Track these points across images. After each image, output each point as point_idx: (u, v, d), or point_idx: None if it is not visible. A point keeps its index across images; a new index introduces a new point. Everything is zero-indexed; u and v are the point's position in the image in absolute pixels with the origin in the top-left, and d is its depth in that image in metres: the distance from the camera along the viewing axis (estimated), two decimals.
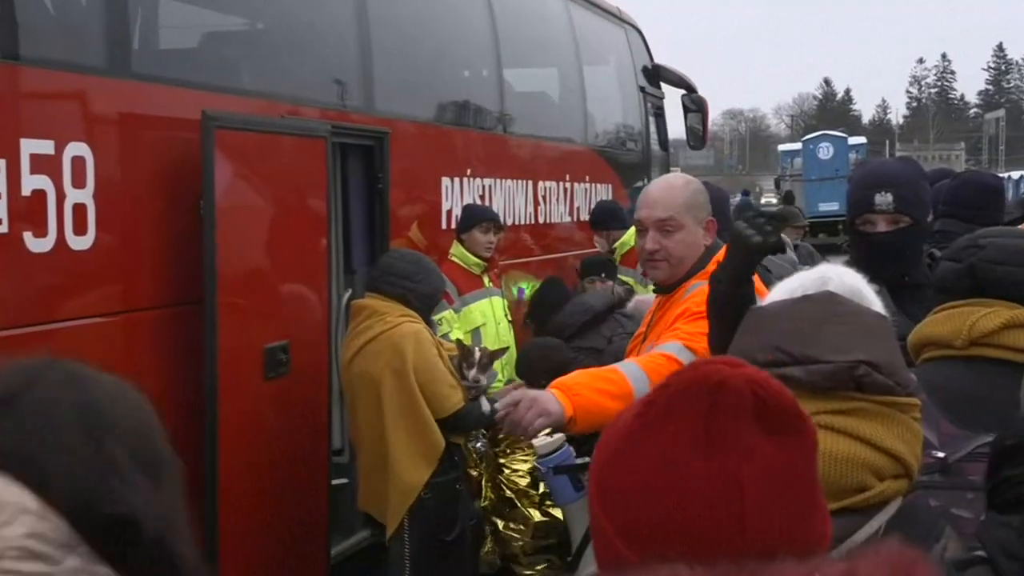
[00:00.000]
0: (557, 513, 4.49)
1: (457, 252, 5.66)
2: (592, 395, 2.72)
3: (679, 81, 10.88)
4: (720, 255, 2.72)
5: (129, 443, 0.87)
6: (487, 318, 5.60)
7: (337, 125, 4.91)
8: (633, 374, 2.79)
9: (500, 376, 5.18)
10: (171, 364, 3.98)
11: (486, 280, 5.68)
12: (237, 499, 4.12)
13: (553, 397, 2.69)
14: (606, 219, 7.24)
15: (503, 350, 4.57)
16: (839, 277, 1.63)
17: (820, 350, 1.41)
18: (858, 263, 2.85)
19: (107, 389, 0.90)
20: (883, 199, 2.94)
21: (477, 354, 4.26)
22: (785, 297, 1.57)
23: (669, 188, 3.11)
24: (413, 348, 4.07)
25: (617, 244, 6.92)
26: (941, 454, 1.98)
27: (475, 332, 5.45)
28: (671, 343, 2.86)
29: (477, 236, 5.60)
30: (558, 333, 4.81)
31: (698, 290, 2.85)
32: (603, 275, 6.11)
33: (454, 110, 6.68)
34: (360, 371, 4.19)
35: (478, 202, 6.49)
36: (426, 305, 4.31)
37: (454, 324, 5.32)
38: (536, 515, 4.75)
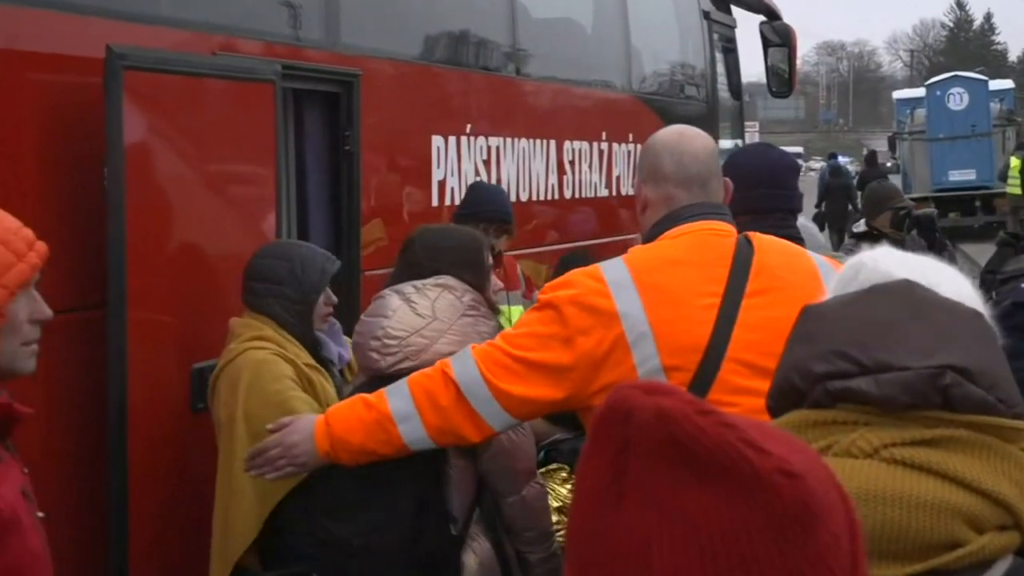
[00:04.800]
0: None
1: None
2: (345, 430, 3.24)
3: (757, 4, 10.89)
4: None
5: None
6: None
7: (289, 65, 4.94)
8: (396, 391, 3.23)
9: None
10: (65, 390, 4.01)
11: None
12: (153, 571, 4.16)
13: (311, 435, 3.25)
14: None
15: None
16: (873, 262, 1.66)
17: (895, 354, 1.43)
18: None
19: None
20: None
21: None
22: (843, 291, 1.59)
23: None
24: (247, 385, 3.93)
25: None
26: None
27: None
28: (466, 349, 3.24)
29: None
30: None
31: None
32: None
33: (448, 45, 6.71)
34: (214, 417, 4.11)
35: (480, 170, 6.50)
36: (298, 313, 4.11)
37: None
38: None
